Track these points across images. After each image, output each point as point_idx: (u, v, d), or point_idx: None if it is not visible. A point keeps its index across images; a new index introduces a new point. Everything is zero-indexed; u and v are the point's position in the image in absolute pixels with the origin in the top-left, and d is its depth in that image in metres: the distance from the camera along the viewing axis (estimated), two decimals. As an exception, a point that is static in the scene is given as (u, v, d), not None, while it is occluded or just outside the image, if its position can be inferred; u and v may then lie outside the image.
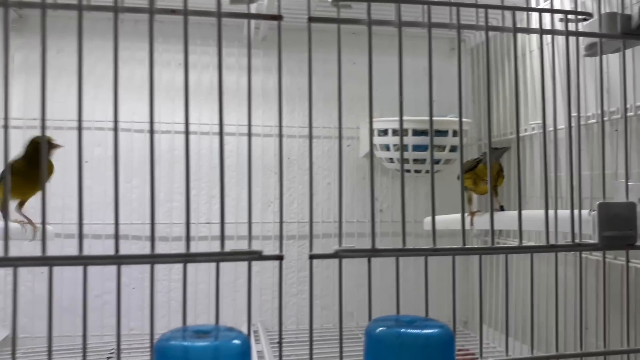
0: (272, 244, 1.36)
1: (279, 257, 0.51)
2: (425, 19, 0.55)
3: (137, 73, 1.28)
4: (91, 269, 1.21)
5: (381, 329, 0.48)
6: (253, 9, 0.52)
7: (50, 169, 1.08)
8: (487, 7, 0.58)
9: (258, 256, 0.50)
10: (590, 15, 0.62)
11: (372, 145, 0.55)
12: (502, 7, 0.59)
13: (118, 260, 0.48)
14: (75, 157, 1.36)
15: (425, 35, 0.57)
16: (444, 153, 1.16)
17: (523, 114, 1.18)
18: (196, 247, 1.29)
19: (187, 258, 0.49)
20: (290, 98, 1.37)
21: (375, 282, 1.26)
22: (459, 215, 1.00)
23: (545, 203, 0.58)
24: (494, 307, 1.28)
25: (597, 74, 0.62)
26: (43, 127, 0.50)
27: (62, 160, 1.26)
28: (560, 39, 0.64)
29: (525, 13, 0.84)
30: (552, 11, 0.62)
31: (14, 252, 0.48)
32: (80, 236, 0.49)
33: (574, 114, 0.86)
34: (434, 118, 1.22)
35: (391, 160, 1.23)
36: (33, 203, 1.25)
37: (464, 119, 1.25)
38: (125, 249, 1.23)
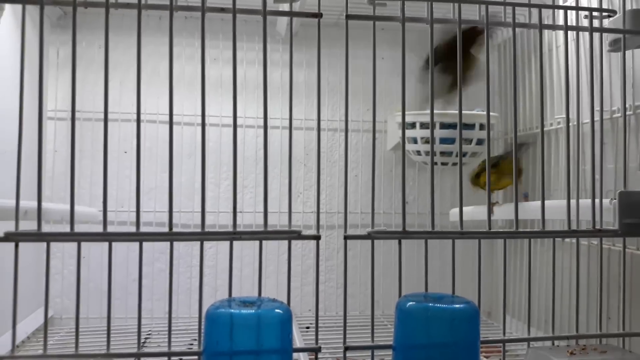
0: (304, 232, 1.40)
1: (317, 237, 0.55)
2: (455, 17, 0.59)
3: (187, 69, 1.34)
4: (129, 254, 1.27)
5: (411, 303, 0.52)
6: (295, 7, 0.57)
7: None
8: (514, 4, 0.61)
9: (297, 235, 0.55)
10: (614, 12, 0.65)
11: (404, 129, 0.59)
12: (529, 5, 0.63)
13: (171, 237, 0.53)
14: (117, 147, 1.41)
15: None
16: (470, 146, 1.19)
17: (549, 108, 1.20)
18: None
19: (233, 236, 0.54)
20: (321, 91, 1.41)
21: (402, 270, 1.29)
22: (481, 207, 1.02)
23: (567, 190, 0.61)
24: (517, 298, 1.30)
25: (615, 70, 0.65)
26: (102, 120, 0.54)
27: (101, 151, 1.32)
28: (586, 35, 0.66)
29: (551, 10, 0.86)
30: (577, 8, 0.65)
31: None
32: (137, 216, 0.54)
33: (597, 108, 0.88)
34: (463, 112, 1.25)
35: (418, 152, 1.26)
36: (77, 191, 1.31)
37: (492, 113, 1.28)
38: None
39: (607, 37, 0.72)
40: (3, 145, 1.08)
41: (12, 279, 0.52)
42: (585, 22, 0.64)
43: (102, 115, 1.30)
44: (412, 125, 1.22)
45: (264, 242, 0.54)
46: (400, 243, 0.57)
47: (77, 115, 1.32)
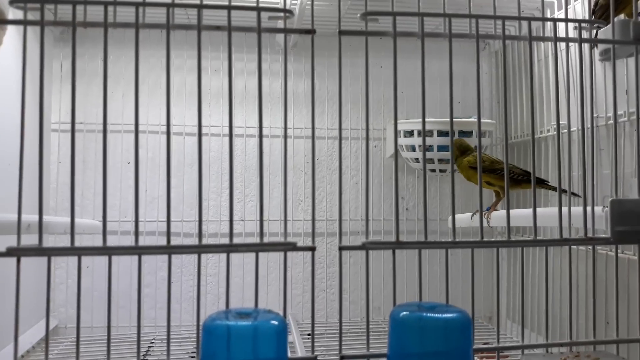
0: (302, 240, 1.41)
1: (312, 249, 0.57)
2: (446, 30, 0.60)
3: (189, 80, 1.36)
4: (132, 264, 1.28)
5: (404, 313, 0.53)
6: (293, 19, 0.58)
7: None
8: (504, 17, 0.62)
9: (292, 247, 0.56)
10: (603, 23, 0.66)
11: (396, 139, 0.60)
12: (519, 18, 0.64)
13: (170, 250, 0.54)
14: (119, 159, 1.43)
15: (453, 37, 0.60)
16: (468, 153, 1.20)
17: (546, 115, 1.21)
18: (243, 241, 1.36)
19: (230, 248, 0.55)
20: (320, 101, 1.43)
21: (401, 278, 1.30)
22: (478, 214, 1.02)
23: (559, 198, 0.62)
24: (518, 304, 1.31)
25: (610, 78, 0.66)
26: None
27: (108, 162, 1.34)
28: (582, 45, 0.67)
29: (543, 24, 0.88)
30: (566, 20, 0.66)
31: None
32: (137, 230, 0.55)
33: (593, 115, 0.89)
34: (459, 120, 1.26)
35: (417, 160, 1.27)
36: (79, 202, 1.33)
37: (488, 120, 1.29)
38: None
39: (599, 47, 0.73)
40: (9, 158, 1.10)
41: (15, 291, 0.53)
42: (574, 33, 0.65)
43: (100, 127, 1.33)
44: (410, 133, 1.24)
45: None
46: (394, 253, 0.58)
47: (81, 127, 1.34)
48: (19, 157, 0.55)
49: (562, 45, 0.98)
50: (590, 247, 0.66)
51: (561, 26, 0.92)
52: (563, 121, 0.98)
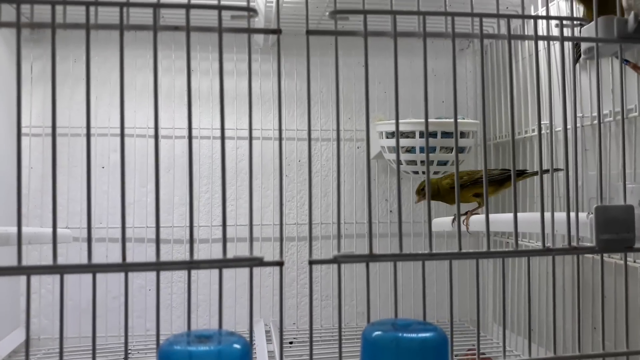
0: (295, 245, 1.38)
1: (280, 263, 0.53)
2: (420, 29, 0.57)
3: (152, 80, 1.31)
4: (106, 274, 1.23)
5: (377, 333, 0.49)
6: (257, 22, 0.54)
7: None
8: (482, 15, 0.59)
9: (259, 262, 0.52)
10: (586, 20, 0.63)
11: (368, 151, 0.56)
12: (497, 16, 0.60)
13: (125, 267, 0.51)
14: (95, 163, 1.39)
15: (435, 36, 0.57)
16: (451, 154, 1.17)
17: (530, 114, 1.18)
18: (210, 250, 1.32)
19: (190, 265, 0.51)
20: (301, 101, 1.39)
21: (385, 281, 1.27)
22: (461, 218, 1.00)
23: (542, 205, 0.59)
24: (503, 314, 1.28)
25: (597, 78, 0.63)
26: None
27: (79, 166, 1.30)
28: (564, 43, 0.64)
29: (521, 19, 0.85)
30: (547, 18, 0.62)
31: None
32: (89, 244, 0.51)
33: (578, 114, 0.86)
34: (442, 120, 1.23)
35: (400, 162, 1.24)
36: (60, 206, 1.28)
37: (472, 121, 1.26)
38: (142, 251, 1.27)
39: (582, 45, 0.70)
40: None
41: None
42: (557, 31, 0.62)
43: (78, 131, 1.28)
44: (393, 134, 1.20)
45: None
46: (367, 266, 0.55)
47: (48, 131, 1.29)
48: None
49: (552, 43, 0.95)
50: (578, 259, 0.64)
51: (543, 24, 0.89)
52: (548, 121, 0.95)
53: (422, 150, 1.15)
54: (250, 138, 0.57)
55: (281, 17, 1.19)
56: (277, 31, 0.55)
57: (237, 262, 0.52)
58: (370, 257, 0.55)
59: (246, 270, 1.33)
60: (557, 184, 1.03)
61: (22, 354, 1.19)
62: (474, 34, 0.58)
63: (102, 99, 1.28)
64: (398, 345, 0.48)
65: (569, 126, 0.62)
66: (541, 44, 1.05)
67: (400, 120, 1.17)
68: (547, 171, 0.88)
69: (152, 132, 1.33)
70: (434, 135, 1.13)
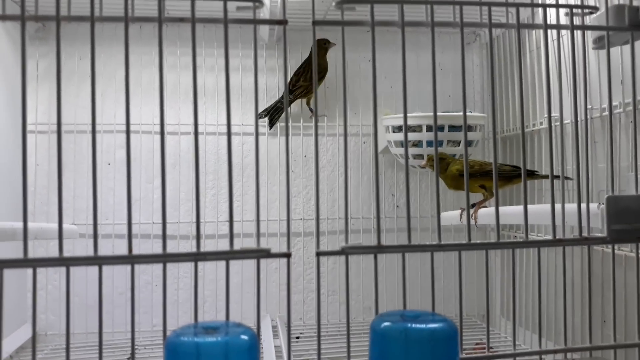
0: (302, 240, 1.37)
1: (287, 255, 0.53)
2: (428, 19, 0.56)
3: (158, 77, 1.31)
4: (114, 268, 1.24)
5: (386, 324, 0.49)
6: (265, 13, 0.54)
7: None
8: (490, 4, 0.58)
9: (266, 254, 0.52)
10: (596, 8, 0.62)
11: (376, 143, 0.56)
12: (506, 4, 0.60)
13: (131, 260, 0.50)
14: (101, 160, 1.39)
15: (442, 30, 0.57)
16: (459, 148, 1.16)
17: (539, 107, 1.17)
18: (216, 245, 1.31)
19: (197, 257, 0.51)
20: (306, 96, 1.38)
21: (392, 277, 1.26)
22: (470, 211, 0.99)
23: (552, 196, 0.58)
24: (511, 302, 1.27)
25: (606, 67, 0.62)
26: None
27: (85, 163, 1.30)
28: (574, 33, 0.63)
29: (532, 8, 0.84)
30: (556, 6, 0.62)
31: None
32: (95, 237, 0.51)
33: (587, 107, 0.85)
34: (449, 113, 1.22)
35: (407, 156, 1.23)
36: (66, 203, 1.29)
37: (480, 114, 1.25)
38: (148, 247, 1.27)
39: (592, 35, 0.69)
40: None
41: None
42: (566, 20, 0.61)
43: (84, 127, 1.28)
44: (399, 129, 1.20)
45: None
46: (376, 258, 0.54)
47: (54, 128, 1.29)
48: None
49: (561, 34, 0.94)
50: (589, 250, 0.63)
51: (553, 13, 0.87)
52: (557, 113, 0.94)
53: (429, 144, 1.14)
54: (257, 133, 0.57)
55: (286, 12, 1.18)
56: (283, 22, 0.55)
57: (245, 254, 0.52)
58: (378, 249, 0.54)
59: (252, 265, 1.33)
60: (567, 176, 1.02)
61: (30, 350, 1.19)
62: (482, 23, 0.58)
63: (107, 96, 1.28)
64: (407, 336, 0.48)
65: (581, 117, 0.61)
66: (550, 36, 1.04)
67: (408, 115, 1.17)
68: (557, 177, 0.89)
69: (157, 128, 1.33)
70: (441, 128, 1.12)
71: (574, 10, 0.60)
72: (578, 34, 0.61)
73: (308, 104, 1.35)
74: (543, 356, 0.60)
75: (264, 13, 1.14)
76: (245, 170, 1.36)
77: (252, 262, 1.26)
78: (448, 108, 1.34)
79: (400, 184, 1.40)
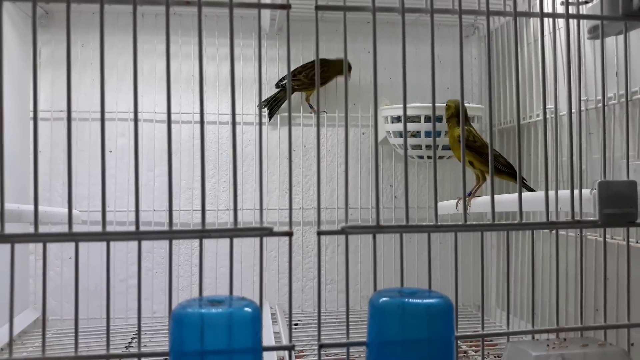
0: (301, 229, 1.39)
1: (289, 234, 0.54)
2: (427, 6, 0.58)
3: (159, 65, 1.33)
4: (115, 255, 1.26)
5: (384, 299, 0.51)
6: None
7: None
8: (488, -7, 0.60)
9: (269, 232, 0.53)
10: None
11: (376, 121, 0.57)
12: (504, -7, 0.61)
13: (139, 235, 0.52)
14: (100, 147, 1.41)
15: (441, 22, 0.58)
16: (456, 139, 1.18)
17: (535, 99, 1.19)
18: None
19: (202, 234, 0.53)
20: (306, 87, 1.40)
21: (389, 266, 1.27)
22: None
23: (546, 181, 0.60)
24: (507, 293, 1.30)
25: (600, 56, 0.64)
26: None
27: (87, 150, 1.31)
28: (570, 23, 0.64)
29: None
30: (553, -5, 0.63)
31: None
32: (103, 213, 0.53)
33: (582, 98, 0.86)
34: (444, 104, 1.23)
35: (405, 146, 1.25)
36: (61, 192, 1.30)
37: (477, 105, 1.27)
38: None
39: (587, 24, 0.70)
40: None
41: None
42: (562, 9, 0.63)
43: (85, 115, 1.30)
44: (398, 119, 1.21)
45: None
46: (374, 238, 0.56)
47: (62, 115, 1.31)
48: None
49: (558, 24, 0.96)
50: (579, 233, 0.64)
51: (549, 3, 0.89)
52: (554, 105, 0.96)
53: (427, 134, 1.16)
54: (260, 121, 0.58)
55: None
56: (286, 6, 0.56)
57: (248, 232, 0.54)
58: (377, 228, 0.56)
59: (251, 253, 1.34)
60: (562, 168, 1.04)
61: (32, 334, 1.21)
62: (480, 11, 0.59)
63: (109, 84, 1.29)
64: (404, 310, 0.49)
65: (575, 107, 0.63)
66: (547, 30, 1.06)
67: (407, 105, 1.18)
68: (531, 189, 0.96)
69: (158, 116, 1.35)
70: (439, 119, 1.14)
71: (570, 0, 0.62)
72: (574, 24, 0.62)
73: (307, 100, 1.36)
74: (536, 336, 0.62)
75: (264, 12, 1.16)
76: (246, 160, 1.38)
77: (251, 250, 1.28)
78: (446, 100, 1.35)
79: (398, 175, 1.42)
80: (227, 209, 1.35)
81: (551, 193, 0.61)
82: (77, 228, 1.18)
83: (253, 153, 1.38)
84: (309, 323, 1.28)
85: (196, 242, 1.34)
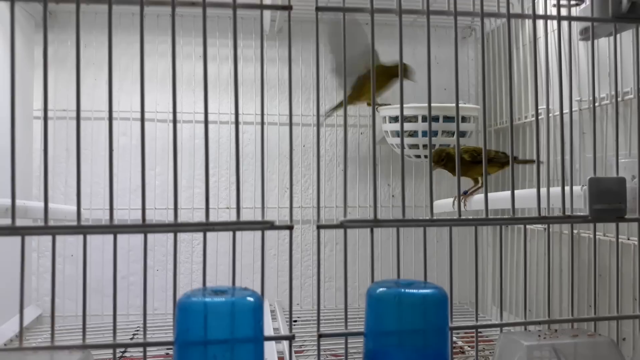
0: (300, 228, 1.41)
1: (289, 227, 0.56)
2: (424, 7, 0.60)
3: (160, 65, 1.35)
4: (119, 251, 1.27)
5: (381, 289, 0.53)
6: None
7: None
8: (482, -5, 0.62)
9: (270, 226, 0.55)
10: (582, 0, 0.66)
11: (374, 120, 0.59)
12: (497, -5, 0.63)
13: (144, 228, 0.54)
14: (103, 146, 1.42)
15: (438, 24, 0.60)
16: (453, 139, 1.20)
17: (530, 100, 1.21)
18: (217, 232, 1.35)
19: (206, 227, 0.54)
20: (306, 87, 1.42)
21: (387, 263, 1.29)
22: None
23: (537, 178, 0.62)
24: (498, 287, 1.32)
25: (591, 58, 0.66)
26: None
27: (89, 149, 1.33)
28: (563, 25, 0.66)
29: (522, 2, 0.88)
30: (545, -2, 0.65)
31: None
32: (111, 207, 0.55)
33: (576, 98, 0.88)
34: (444, 104, 1.26)
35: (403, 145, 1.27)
36: (62, 189, 1.32)
37: (473, 105, 1.29)
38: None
39: (578, 26, 0.72)
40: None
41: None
42: (555, 11, 0.65)
43: (87, 114, 1.31)
44: (396, 119, 1.23)
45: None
46: (372, 232, 0.58)
47: (65, 114, 1.32)
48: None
49: (552, 26, 0.98)
50: (572, 229, 0.67)
51: (542, 5, 0.91)
52: (550, 105, 0.97)
53: (424, 134, 1.18)
54: (262, 121, 0.60)
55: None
56: (288, 7, 0.58)
57: (250, 225, 0.56)
58: (375, 222, 0.58)
59: (251, 252, 1.36)
60: (555, 167, 1.06)
61: (34, 331, 1.23)
62: (475, 12, 0.61)
63: (102, 82, 1.31)
64: (400, 300, 0.51)
65: (574, 108, 0.65)
66: (541, 31, 1.08)
67: (405, 105, 1.20)
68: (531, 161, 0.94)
69: (160, 116, 1.36)
70: (436, 119, 1.16)
71: (562, 2, 0.64)
72: (565, 26, 0.64)
73: (368, 104, 1.30)
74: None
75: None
76: (245, 159, 1.40)
77: (250, 248, 1.30)
78: (444, 101, 1.37)
79: (396, 174, 1.44)
80: (228, 207, 1.37)
81: (543, 190, 0.63)
82: (84, 224, 1.19)
83: (253, 152, 1.40)
84: (308, 320, 1.30)
85: (197, 240, 1.36)
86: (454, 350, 1.12)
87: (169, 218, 1.34)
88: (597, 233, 0.66)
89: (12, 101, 0.51)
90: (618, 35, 0.69)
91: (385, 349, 0.52)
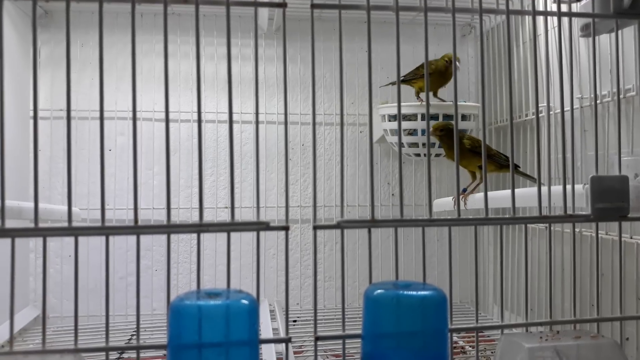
0: (299, 227, 1.40)
1: (285, 228, 0.55)
2: (422, 4, 0.59)
3: (158, 65, 1.34)
4: (115, 253, 1.27)
5: (379, 291, 0.52)
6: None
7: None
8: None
9: (265, 226, 0.54)
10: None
11: (371, 120, 0.58)
12: (496, -9, 0.62)
13: (137, 230, 0.53)
14: (99, 146, 1.41)
15: (438, 22, 0.59)
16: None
17: (531, 98, 1.20)
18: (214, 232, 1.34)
19: (200, 228, 0.53)
20: (304, 86, 1.41)
21: (387, 264, 1.28)
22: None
23: (538, 176, 0.60)
24: (501, 286, 1.31)
25: (592, 54, 0.64)
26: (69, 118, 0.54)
27: (86, 149, 1.32)
28: (563, 22, 0.65)
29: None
30: (545, -7, 0.64)
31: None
32: (102, 209, 0.54)
33: (577, 95, 0.88)
34: (441, 103, 1.25)
35: (402, 145, 1.26)
36: (60, 190, 1.31)
37: (473, 104, 1.28)
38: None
39: (579, 23, 0.71)
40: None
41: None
42: (555, 7, 0.64)
43: (84, 114, 1.31)
44: (395, 118, 1.22)
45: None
46: (369, 232, 0.57)
47: (62, 114, 1.31)
48: None
49: (553, 23, 0.97)
50: (574, 228, 0.65)
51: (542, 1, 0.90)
52: (551, 103, 0.96)
53: (424, 132, 1.17)
54: (257, 120, 0.59)
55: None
56: (282, 4, 0.57)
57: (245, 226, 0.55)
58: (372, 223, 0.57)
59: (251, 250, 1.35)
60: (557, 165, 1.05)
61: (32, 332, 1.22)
62: (473, 9, 0.60)
63: (108, 84, 1.30)
64: (399, 302, 0.50)
65: (566, 107, 0.64)
66: (542, 28, 1.07)
67: (402, 103, 1.20)
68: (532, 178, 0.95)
69: (157, 115, 1.35)
70: (435, 117, 1.15)
71: (562, -2, 0.63)
72: (565, 22, 0.63)
73: (417, 94, 1.29)
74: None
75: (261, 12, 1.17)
76: (244, 158, 1.39)
77: (249, 248, 1.29)
78: (443, 98, 1.36)
79: (396, 173, 1.43)
80: (226, 207, 1.36)
81: (544, 189, 0.62)
82: (76, 225, 1.19)
83: (252, 151, 1.39)
84: (308, 320, 1.29)
85: (196, 239, 1.35)
86: (455, 350, 1.11)
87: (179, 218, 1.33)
88: (599, 232, 0.65)
89: (1, 101, 0.50)
90: (619, 32, 0.68)
91: (383, 352, 0.51)
